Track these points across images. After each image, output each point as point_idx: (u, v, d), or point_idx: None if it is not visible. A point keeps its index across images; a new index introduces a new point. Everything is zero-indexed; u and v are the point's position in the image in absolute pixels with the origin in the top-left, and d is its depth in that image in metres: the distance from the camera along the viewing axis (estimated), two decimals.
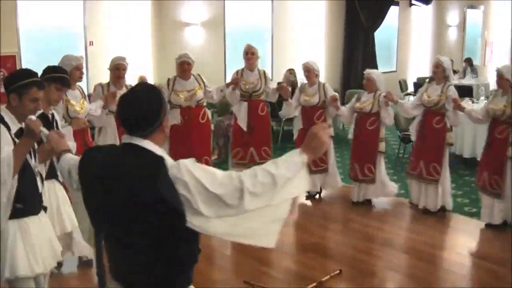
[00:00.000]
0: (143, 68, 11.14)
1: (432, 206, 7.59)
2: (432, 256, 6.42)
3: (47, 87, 4.49)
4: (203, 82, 7.70)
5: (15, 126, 3.85)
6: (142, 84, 3.19)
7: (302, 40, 14.90)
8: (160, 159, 2.54)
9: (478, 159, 7.93)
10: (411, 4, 18.41)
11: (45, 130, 3.64)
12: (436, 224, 7.37)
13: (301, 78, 12.85)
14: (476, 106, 9.92)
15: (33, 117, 3.71)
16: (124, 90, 6.94)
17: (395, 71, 18.38)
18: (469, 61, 17.76)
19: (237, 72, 8.16)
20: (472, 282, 5.90)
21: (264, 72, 8.21)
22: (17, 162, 3.66)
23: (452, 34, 20.57)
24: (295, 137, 8.29)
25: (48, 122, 4.70)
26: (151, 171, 2.50)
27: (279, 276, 5.96)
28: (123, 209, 2.57)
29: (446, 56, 8.03)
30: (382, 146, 7.84)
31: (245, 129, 8.07)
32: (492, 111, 6.88)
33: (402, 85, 17.29)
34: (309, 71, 8.03)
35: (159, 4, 12.01)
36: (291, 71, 12.26)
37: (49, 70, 5.10)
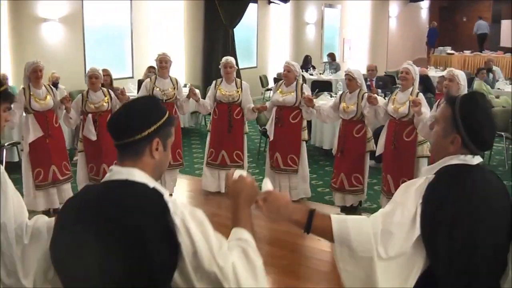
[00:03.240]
0: None
1: (293, 196, 7.86)
2: (294, 245, 6.62)
3: None
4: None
5: None
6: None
7: (162, 37, 14.74)
8: None
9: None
10: (269, 2, 18.72)
11: None
12: None
13: None
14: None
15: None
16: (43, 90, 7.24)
17: (256, 67, 18.62)
18: (331, 56, 18.41)
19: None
20: (334, 266, 6.10)
21: None
22: None
23: (311, 32, 21.12)
24: None
25: None
26: None
27: None
28: None
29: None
30: (304, 134, 8.00)
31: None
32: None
33: (263, 80, 17.57)
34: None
35: None
36: (151, 69, 12.11)
37: None
